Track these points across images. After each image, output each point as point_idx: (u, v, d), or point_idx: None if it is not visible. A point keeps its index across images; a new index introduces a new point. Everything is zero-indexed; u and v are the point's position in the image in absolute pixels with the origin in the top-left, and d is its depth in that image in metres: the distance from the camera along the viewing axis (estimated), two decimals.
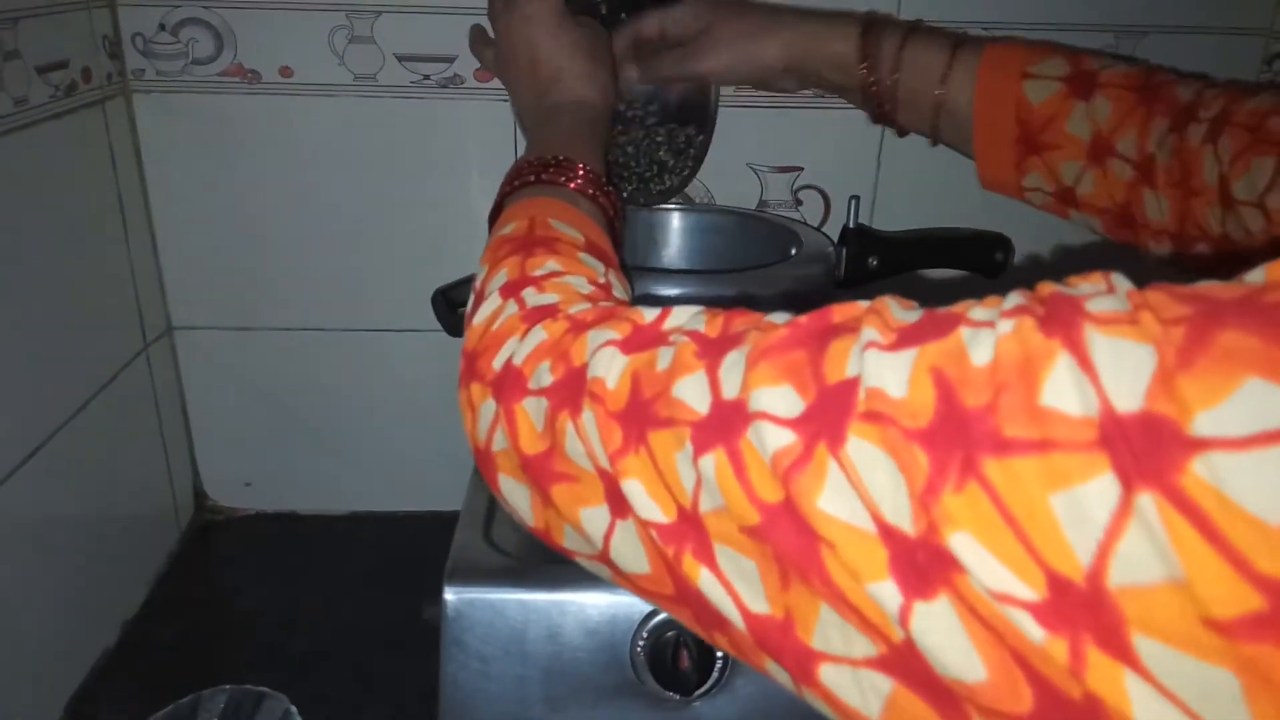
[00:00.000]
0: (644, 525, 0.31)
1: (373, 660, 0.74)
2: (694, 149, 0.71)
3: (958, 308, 0.26)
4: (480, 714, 0.55)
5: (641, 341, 0.33)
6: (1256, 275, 0.21)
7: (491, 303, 0.41)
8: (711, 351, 0.30)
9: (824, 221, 0.83)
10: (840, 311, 0.29)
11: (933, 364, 0.24)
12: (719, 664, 0.55)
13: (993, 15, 0.77)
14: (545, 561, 0.56)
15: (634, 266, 0.58)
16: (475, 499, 0.65)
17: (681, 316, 0.34)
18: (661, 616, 0.55)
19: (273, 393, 0.87)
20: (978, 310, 0.25)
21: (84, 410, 0.71)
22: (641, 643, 0.55)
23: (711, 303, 0.58)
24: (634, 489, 0.31)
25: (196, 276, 0.83)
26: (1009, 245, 0.70)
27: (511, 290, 0.41)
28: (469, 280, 0.62)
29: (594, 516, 0.34)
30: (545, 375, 0.36)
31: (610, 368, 0.33)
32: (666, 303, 0.58)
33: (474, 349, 0.40)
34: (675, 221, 0.76)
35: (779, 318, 0.31)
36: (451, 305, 0.61)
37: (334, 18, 0.75)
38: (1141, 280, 0.23)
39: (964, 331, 0.24)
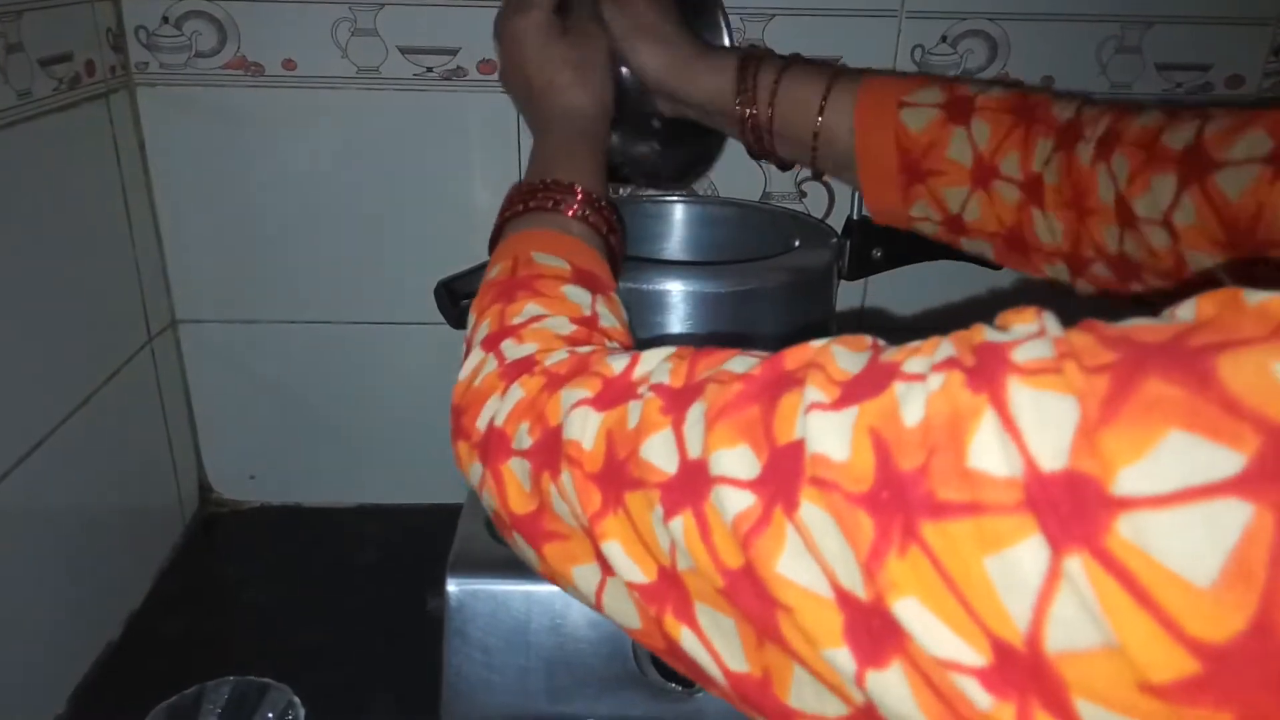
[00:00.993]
0: (628, 585, 0.32)
1: (376, 652, 0.74)
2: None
3: (897, 355, 0.26)
4: (483, 705, 0.55)
5: (612, 396, 0.33)
6: (1186, 312, 0.21)
7: (475, 356, 0.42)
8: (676, 405, 0.30)
9: (828, 213, 0.83)
10: (792, 357, 0.28)
11: (870, 424, 0.24)
12: None
13: (999, 7, 0.76)
14: None
15: (636, 258, 0.58)
16: None
17: (649, 363, 0.34)
18: None
19: (277, 386, 0.87)
20: (913, 361, 0.25)
21: (88, 403, 0.71)
22: None
23: (713, 297, 0.58)
24: (613, 550, 0.31)
25: (201, 269, 0.83)
26: None
27: (491, 344, 0.41)
28: (472, 272, 0.62)
29: (585, 574, 0.35)
30: (525, 437, 0.36)
31: (585, 429, 0.33)
32: (669, 296, 0.58)
33: (458, 404, 0.41)
34: (678, 213, 0.75)
35: (739, 364, 0.30)
36: (454, 297, 0.61)
37: (337, 10, 0.75)
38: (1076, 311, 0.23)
39: (898, 388, 0.24)
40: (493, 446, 0.37)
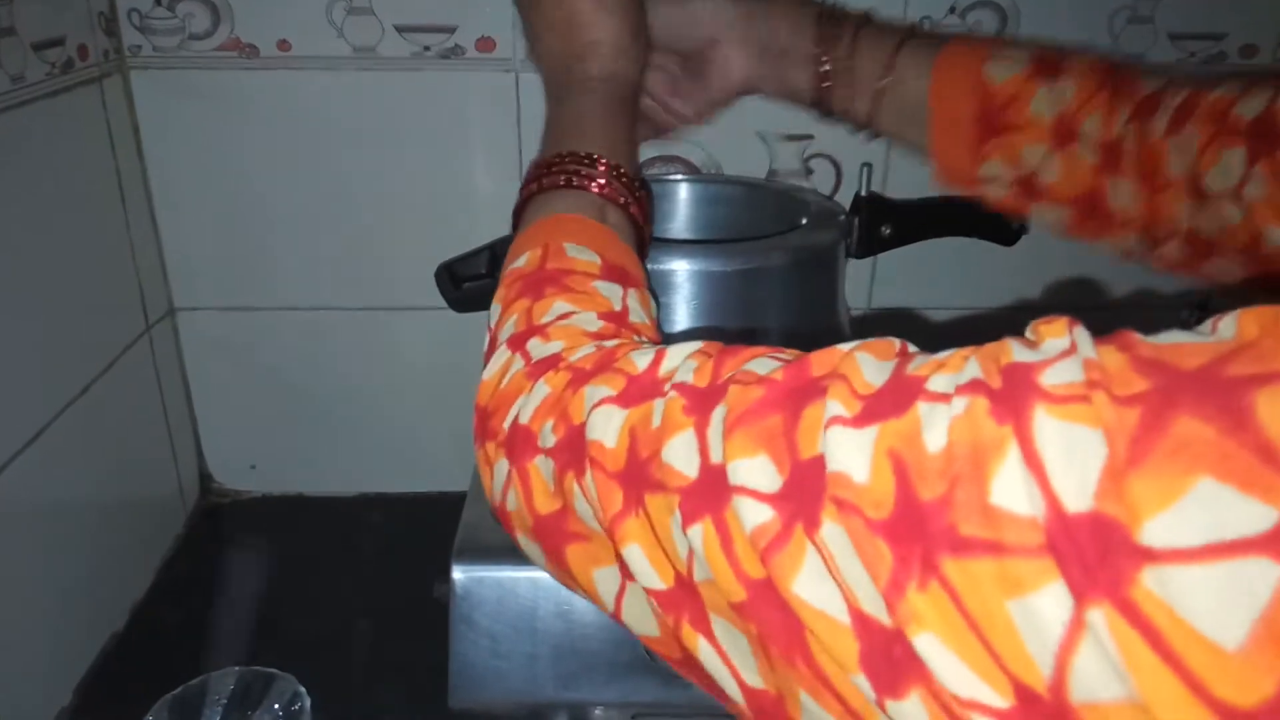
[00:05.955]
0: (646, 591, 0.31)
1: (382, 640, 0.74)
2: None
3: (922, 369, 0.24)
4: (491, 692, 0.55)
5: (636, 393, 0.32)
6: (1227, 328, 0.20)
7: (500, 355, 0.40)
8: (699, 406, 0.29)
9: (836, 190, 0.82)
10: (818, 363, 0.27)
11: (891, 446, 0.23)
12: None
13: None
14: None
15: None
16: None
17: (674, 359, 0.33)
18: None
19: (277, 374, 0.86)
20: (938, 378, 0.24)
21: (86, 393, 0.71)
22: None
23: (720, 275, 0.57)
24: (633, 554, 0.30)
25: (198, 256, 0.82)
26: None
27: (518, 343, 0.40)
28: (474, 254, 0.61)
29: (606, 577, 0.34)
30: (549, 435, 0.35)
31: (607, 428, 0.32)
32: (675, 275, 0.57)
33: (485, 406, 0.40)
34: (683, 192, 0.74)
35: (763, 365, 0.29)
36: (456, 280, 0.60)
37: None
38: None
39: (921, 408, 0.23)
40: (519, 444, 0.36)
